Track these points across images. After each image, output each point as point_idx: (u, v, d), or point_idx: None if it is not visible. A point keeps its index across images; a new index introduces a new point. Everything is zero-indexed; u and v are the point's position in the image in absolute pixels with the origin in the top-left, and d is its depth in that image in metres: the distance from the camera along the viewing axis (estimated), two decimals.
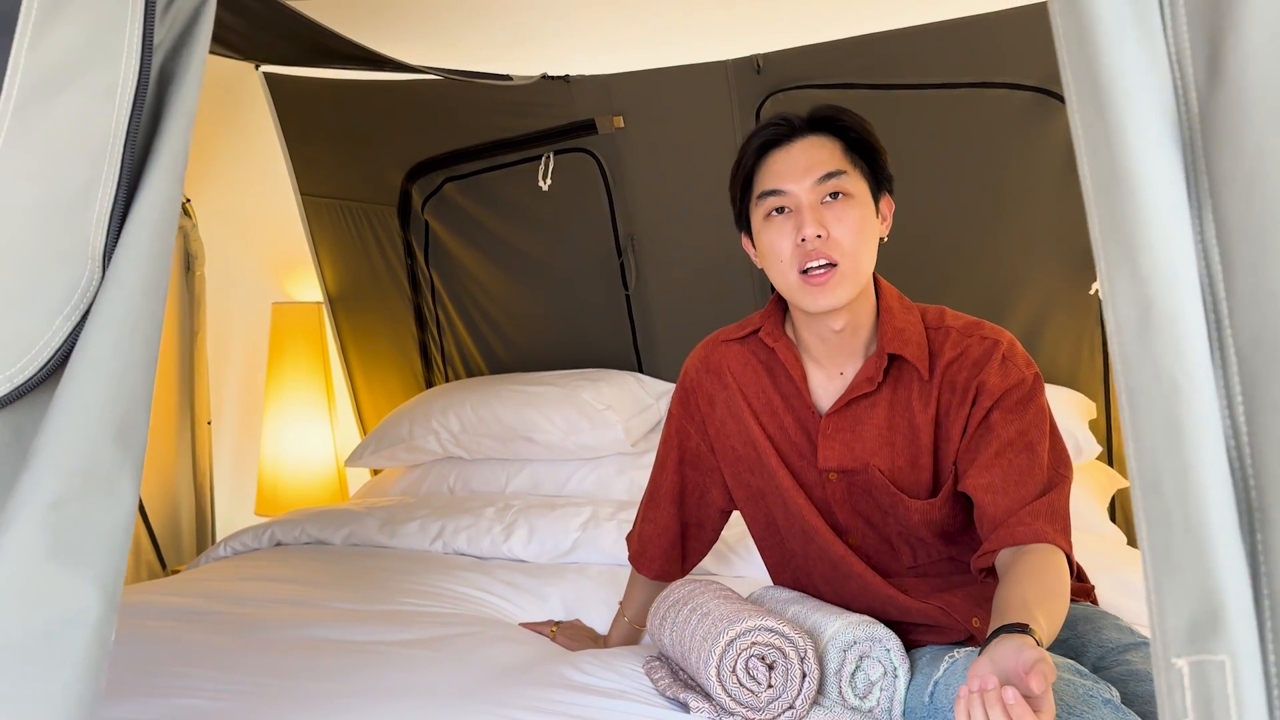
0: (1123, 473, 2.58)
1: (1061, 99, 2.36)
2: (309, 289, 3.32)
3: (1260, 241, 0.50)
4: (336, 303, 3.25)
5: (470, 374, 3.15)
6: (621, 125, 2.67)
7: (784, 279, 1.41)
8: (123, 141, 0.78)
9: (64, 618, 0.68)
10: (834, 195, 1.37)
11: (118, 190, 0.78)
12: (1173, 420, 0.49)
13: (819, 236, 1.35)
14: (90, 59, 0.77)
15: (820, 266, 1.36)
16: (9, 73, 0.76)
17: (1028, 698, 0.99)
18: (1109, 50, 0.55)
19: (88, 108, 0.76)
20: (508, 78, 2.46)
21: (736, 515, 1.69)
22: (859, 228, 1.37)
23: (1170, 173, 0.53)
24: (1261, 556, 0.47)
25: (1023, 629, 1.08)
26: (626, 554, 2.05)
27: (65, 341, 0.76)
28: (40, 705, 0.66)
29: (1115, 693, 1.21)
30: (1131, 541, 2.43)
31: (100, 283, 0.76)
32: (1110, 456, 2.63)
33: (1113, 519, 2.50)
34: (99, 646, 0.70)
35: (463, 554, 2.22)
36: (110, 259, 0.77)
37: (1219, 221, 0.52)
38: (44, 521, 0.69)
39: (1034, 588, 1.21)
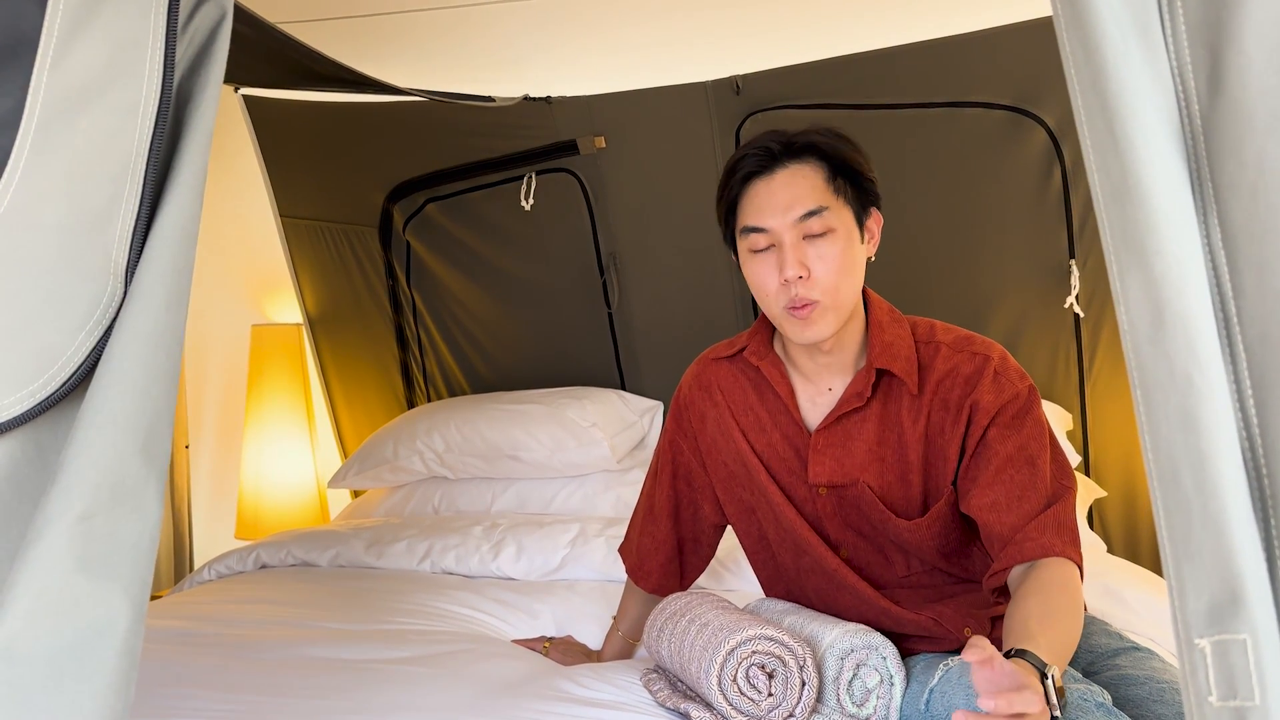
0: (1100, 483, 2.63)
1: (1033, 117, 2.43)
2: (288, 311, 3.32)
3: (1265, 244, 0.53)
4: (316, 324, 3.24)
5: (452, 393, 3.16)
6: (603, 145, 2.70)
7: (770, 310, 1.42)
8: (145, 159, 0.79)
9: (94, 629, 0.69)
10: (815, 231, 1.37)
11: (140, 207, 0.78)
12: (1188, 415, 0.52)
13: (800, 277, 1.36)
14: (113, 78, 0.78)
15: (803, 305, 1.38)
16: (31, 92, 0.76)
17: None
18: (1114, 65, 0.58)
19: (110, 126, 0.77)
20: (490, 99, 2.49)
21: (728, 530, 1.71)
22: (840, 264, 1.37)
23: (1176, 181, 0.56)
24: (1276, 541, 0.50)
25: (1020, 654, 1.09)
26: (616, 569, 2.07)
27: (88, 357, 0.76)
28: (72, 716, 0.67)
29: (1108, 696, 1.24)
30: (1111, 549, 2.47)
31: (123, 298, 0.77)
32: (1087, 467, 2.68)
33: (1090, 527, 2.55)
34: (128, 657, 0.70)
35: (451, 573, 2.22)
36: (133, 274, 0.78)
37: (1224, 226, 0.55)
38: (73, 534, 0.70)
39: (1039, 605, 1.21)
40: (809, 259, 1.36)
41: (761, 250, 1.40)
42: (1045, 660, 1.08)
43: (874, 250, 1.46)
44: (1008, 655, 1.10)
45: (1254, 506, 0.50)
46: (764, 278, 1.40)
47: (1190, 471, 0.51)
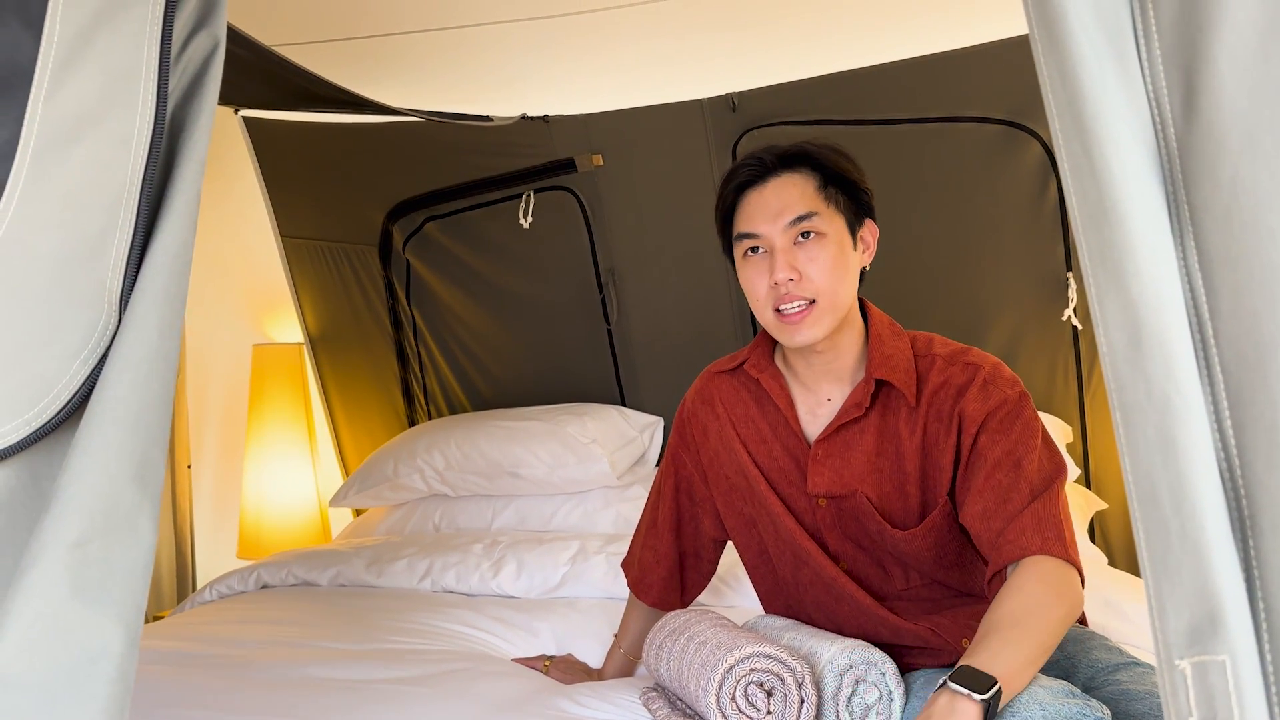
0: (1100, 495, 2.63)
1: (1028, 131, 2.44)
2: (289, 330, 3.33)
3: (1239, 265, 0.53)
4: (317, 343, 3.25)
5: (453, 411, 3.16)
6: (601, 163, 2.72)
7: (762, 316, 1.45)
8: (139, 189, 0.80)
9: (88, 655, 0.69)
10: (806, 235, 1.41)
11: (134, 236, 0.79)
12: (1166, 436, 0.52)
13: (791, 280, 1.39)
14: (106, 109, 0.79)
15: (796, 306, 1.40)
16: (26, 123, 0.78)
17: None
18: (1090, 88, 0.59)
19: (105, 157, 0.78)
20: (488, 118, 2.50)
21: (729, 547, 1.72)
22: (832, 266, 1.40)
23: (1153, 203, 0.56)
24: (1254, 561, 0.50)
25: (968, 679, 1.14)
26: (616, 587, 2.06)
27: (83, 384, 0.77)
28: None
29: (1107, 712, 1.23)
30: (1112, 562, 2.46)
31: (118, 326, 0.78)
32: (1088, 479, 2.67)
33: (1092, 540, 2.54)
34: (121, 683, 0.71)
35: (451, 591, 2.22)
36: (127, 302, 0.79)
37: (1200, 248, 0.55)
38: (67, 561, 0.70)
39: (1003, 612, 1.24)
40: (800, 262, 1.40)
41: (754, 256, 1.44)
42: (994, 675, 1.14)
43: (869, 260, 1.49)
44: (956, 677, 1.16)
45: (1232, 527, 0.51)
46: (755, 282, 1.44)
47: (1169, 492, 0.52)
